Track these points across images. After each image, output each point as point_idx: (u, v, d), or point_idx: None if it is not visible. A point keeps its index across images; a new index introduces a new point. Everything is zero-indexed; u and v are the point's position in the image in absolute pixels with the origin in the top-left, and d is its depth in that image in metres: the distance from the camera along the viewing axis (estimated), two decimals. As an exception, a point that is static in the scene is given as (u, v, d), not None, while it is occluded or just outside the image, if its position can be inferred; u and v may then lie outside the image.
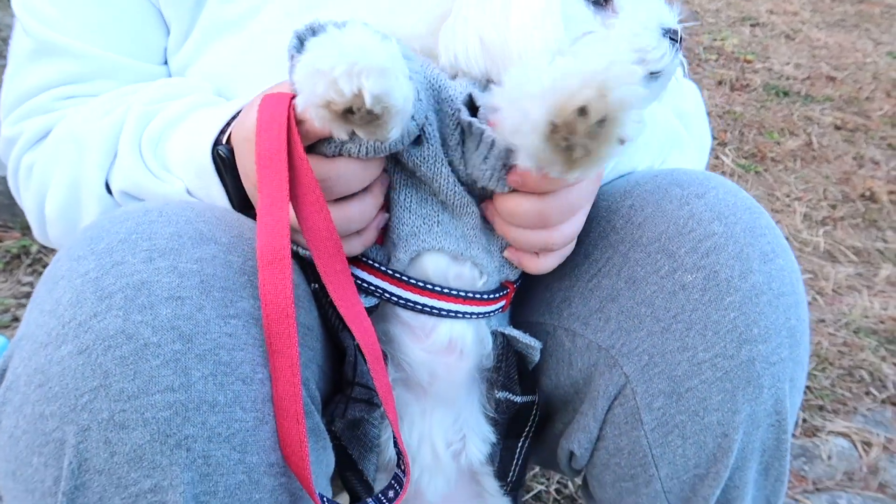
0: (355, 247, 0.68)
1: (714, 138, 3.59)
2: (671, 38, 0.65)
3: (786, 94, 4.06)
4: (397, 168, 0.68)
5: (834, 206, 3.16)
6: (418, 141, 0.63)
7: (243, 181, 0.69)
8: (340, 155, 0.60)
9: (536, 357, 0.78)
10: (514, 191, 0.66)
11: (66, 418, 0.53)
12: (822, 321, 2.31)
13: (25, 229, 2.09)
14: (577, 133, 0.52)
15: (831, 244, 2.87)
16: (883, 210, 3.18)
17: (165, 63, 0.90)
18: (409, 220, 0.68)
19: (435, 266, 0.70)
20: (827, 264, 2.72)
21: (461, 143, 0.64)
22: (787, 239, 2.43)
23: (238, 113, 0.72)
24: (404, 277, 0.70)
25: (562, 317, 0.80)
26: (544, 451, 0.89)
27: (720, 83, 4.08)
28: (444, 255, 0.70)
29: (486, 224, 0.71)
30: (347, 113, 0.52)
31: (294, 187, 0.58)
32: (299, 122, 0.58)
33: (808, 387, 1.95)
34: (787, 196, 3.20)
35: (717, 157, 3.40)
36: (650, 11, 0.66)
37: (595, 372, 0.77)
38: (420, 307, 0.71)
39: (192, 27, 0.85)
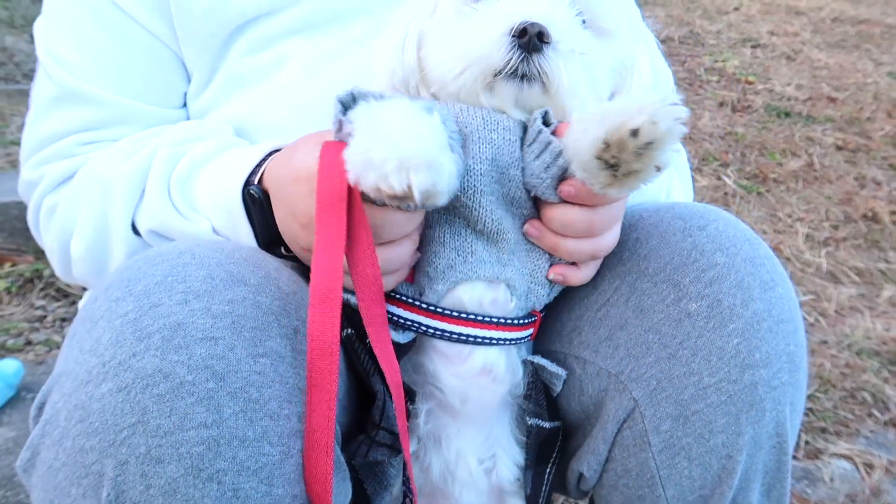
0: (389, 284, 0.72)
1: (716, 159, 3.63)
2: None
3: (787, 114, 4.10)
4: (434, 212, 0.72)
5: (836, 227, 3.19)
6: None
7: (284, 219, 0.72)
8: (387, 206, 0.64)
9: (559, 387, 0.81)
10: (563, 202, 0.70)
11: (106, 452, 0.56)
12: (825, 342, 2.34)
13: (39, 253, 2.13)
14: (627, 150, 0.60)
15: (834, 265, 2.90)
16: (885, 230, 3.21)
17: (184, 106, 0.93)
18: (445, 253, 0.72)
19: (471, 295, 0.74)
20: (829, 285, 2.75)
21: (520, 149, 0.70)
22: (789, 260, 2.45)
23: (269, 154, 0.77)
24: (439, 309, 0.74)
25: (572, 345, 0.83)
26: (556, 473, 0.92)
27: (721, 104, 4.13)
28: (480, 281, 0.74)
29: (518, 247, 0.75)
30: (402, 199, 0.58)
31: (349, 232, 0.62)
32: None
33: (810, 409, 1.97)
34: (790, 217, 3.23)
35: (718, 178, 3.44)
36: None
37: (605, 397, 0.80)
38: (456, 336, 0.74)
39: (214, 76, 0.89)
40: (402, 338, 0.73)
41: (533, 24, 0.64)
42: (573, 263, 0.76)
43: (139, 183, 0.81)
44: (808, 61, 4.77)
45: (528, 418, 0.81)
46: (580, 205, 0.69)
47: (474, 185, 0.68)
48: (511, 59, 0.65)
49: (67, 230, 0.85)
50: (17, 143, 3.19)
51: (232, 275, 0.64)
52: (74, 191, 0.84)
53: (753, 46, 4.91)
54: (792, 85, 4.39)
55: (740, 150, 3.71)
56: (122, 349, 0.58)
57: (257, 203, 0.75)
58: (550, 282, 0.77)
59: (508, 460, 0.84)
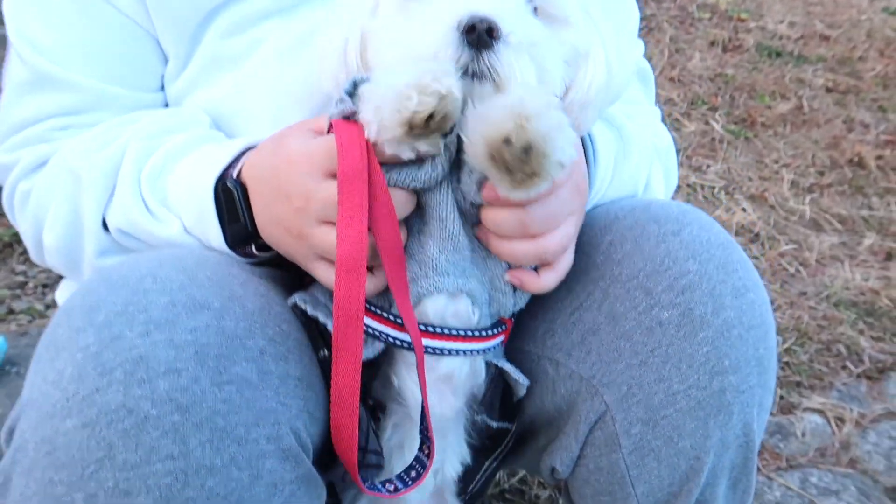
0: (370, 288, 0.71)
1: (705, 103, 3.58)
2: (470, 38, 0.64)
3: (778, 54, 4.03)
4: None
5: (822, 173, 3.19)
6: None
7: (273, 205, 0.71)
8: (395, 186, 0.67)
9: (522, 392, 0.82)
10: (496, 206, 0.70)
11: (75, 486, 0.57)
12: (804, 294, 2.37)
13: (18, 214, 2.11)
14: (508, 157, 0.60)
15: (817, 212, 2.91)
16: (870, 176, 3.21)
17: (162, 89, 0.90)
18: (410, 266, 0.72)
19: (434, 308, 0.74)
20: (812, 234, 2.77)
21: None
22: (773, 208, 2.46)
23: (245, 150, 0.76)
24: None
25: (546, 346, 0.84)
26: (529, 462, 0.94)
27: (713, 44, 4.05)
28: (442, 295, 0.74)
29: (475, 256, 0.75)
30: (427, 121, 0.59)
31: (370, 203, 0.64)
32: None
33: (786, 362, 2.02)
34: (776, 163, 3.22)
35: (706, 123, 3.40)
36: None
37: (577, 399, 0.81)
38: (426, 350, 0.75)
39: (190, 59, 0.86)
40: (371, 351, 0.74)
41: (482, 20, 0.61)
42: (536, 269, 0.76)
43: (110, 178, 0.79)
44: (803, -4, 4.66)
45: (476, 415, 0.83)
46: (508, 205, 0.69)
47: (444, 178, 0.70)
48: (460, 58, 0.63)
49: (40, 219, 0.84)
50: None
51: (195, 300, 0.63)
52: (47, 179, 0.83)
53: (747, -20, 4.76)
54: (785, 22, 4.29)
55: (730, 93, 3.65)
56: (84, 384, 0.58)
57: (230, 198, 0.74)
58: (514, 290, 0.77)
59: (455, 460, 0.87)
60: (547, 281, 0.75)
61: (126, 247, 0.80)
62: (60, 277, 1.02)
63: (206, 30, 0.84)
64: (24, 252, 2.05)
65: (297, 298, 0.74)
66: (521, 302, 0.79)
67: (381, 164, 0.65)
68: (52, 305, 1.89)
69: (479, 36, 0.62)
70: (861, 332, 2.19)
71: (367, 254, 0.64)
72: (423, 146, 0.63)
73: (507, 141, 0.59)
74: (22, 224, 0.88)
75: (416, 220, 0.72)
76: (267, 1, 0.82)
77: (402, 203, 0.68)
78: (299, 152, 0.68)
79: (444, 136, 0.64)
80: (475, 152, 0.63)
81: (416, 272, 0.72)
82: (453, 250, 0.72)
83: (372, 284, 0.70)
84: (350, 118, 0.66)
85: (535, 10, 0.69)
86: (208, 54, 0.85)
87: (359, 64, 0.71)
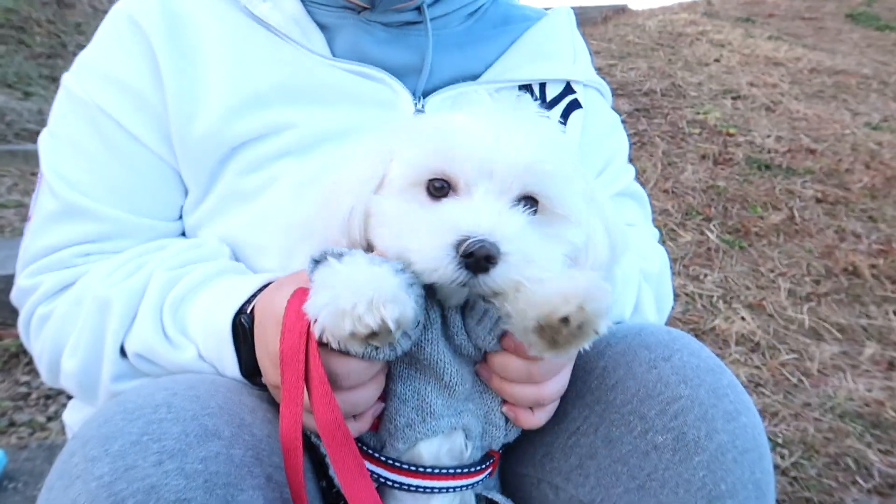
0: (354, 430, 0.74)
1: (699, 213, 3.69)
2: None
3: (767, 167, 4.19)
4: (396, 360, 0.74)
5: (818, 282, 3.24)
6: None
7: (260, 355, 0.75)
8: (349, 354, 0.67)
9: None
10: (504, 351, 0.74)
11: None
12: (808, 405, 2.36)
13: (27, 326, 2.14)
14: (561, 333, 0.64)
15: (816, 321, 2.93)
16: (866, 285, 3.26)
17: (180, 218, 0.96)
18: (406, 412, 0.75)
19: (428, 450, 0.77)
20: (812, 343, 2.78)
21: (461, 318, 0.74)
22: (772, 317, 2.48)
23: (264, 286, 0.80)
24: (397, 464, 0.77)
25: (545, 470, 0.86)
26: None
27: (703, 157, 4.22)
28: (438, 437, 0.77)
29: (472, 392, 0.78)
30: (370, 337, 0.62)
31: (308, 382, 0.65)
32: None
33: (794, 477, 1.98)
34: (772, 272, 3.28)
35: (702, 233, 3.50)
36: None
37: (577, 523, 0.82)
38: (415, 488, 0.77)
39: (209, 194, 0.92)
40: None
41: (481, 246, 0.63)
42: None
43: (134, 306, 0.83)
44: (787, 112, 4.89)
45: None
46: (520, 357, 0.73)
47: (437, 336, 0.72)
48: (459, 277, 0.64)
49: (59, 344, 0.86)
50: (7, 206, 3.19)
51: (206, 429, 0.66)
52: (69, 305, 0.86)
53: (734, 98, 5.02)
54: (772, 136, 4.49)
55: (722, 204, 3.77)
56: None
57: (244, 333, 0.78)
58: (506, 423, 0.80)
59: None
60: (540, 419, 0.79)
61: (141, 371, 0.83)
62: (63, 391, 1.03)
63: (225, 167, 0.91)
64: (29, 363, 2.07)
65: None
66: (512, 435, 0.82)
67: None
68: (54, 418, 1.89)
69: (478, 262, 0.63)
70: (869, 444, 2.16)
71: (301, 435, 0.66)
72: (375, 343, 0.64)
73: (564, 321, 0.63)
74: (36, 346, 0.91)
75: (410, 367, 0.75)
76: (283, 142, 0.89)
77: (360, 372, 0.69)
78: (279, 310, 0.69)
79: (404, 335, 0.66)
80: (523, 326, 0.66)
81: (412, 418, 0.75)
82: (450, 396, 0.76)
83: (354, 428, 0.73)
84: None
85: (535, 211, 0.72)
86: (226, 189, 0.91)
87: (361, 235, 0.74)
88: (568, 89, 1.04)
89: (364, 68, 0.91)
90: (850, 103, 5.18)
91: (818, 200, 3.92)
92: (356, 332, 0.61)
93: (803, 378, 2.55)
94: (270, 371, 0.72)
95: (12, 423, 1.82)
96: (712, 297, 3.04)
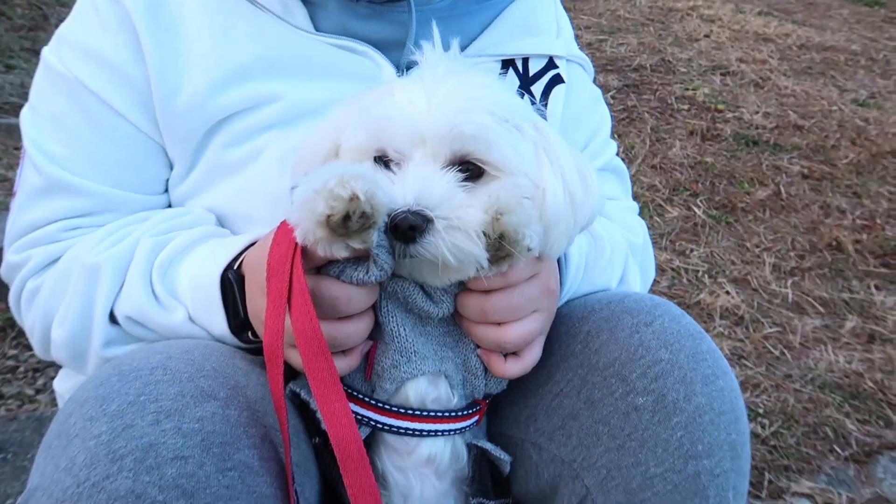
0: (342, 366, 0.75)
1: (686, 189, 3.71)
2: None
3: (755, 143, 4.21)
4: (380, 300, 0.76)
5: (802, 257, 3.28)
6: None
7: (255, 297, 0.76)
8: (343, 281, 0.70)
9: (507, 469, 0.86)
10: (468, 290, 0.77)
11: None
12: (790, 377, 2.41)
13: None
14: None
15: (799, 295, 2.98)
16: (849, 260, 3.30)
17: (166, 192, 0.97)
18: (390, 354, 0.77)
19: (415, 391, 0.79)
20: (795, 316, 2.83)
21: None
22: (756, 291, 2.52)
23: (250, 245, 0.81)
24: (387, 406, 0.78)
25: (528, 431, 0.88)
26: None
27: (692, 133, 4.23)
28: (423, 379, 0.79)
29: (448, 339, 0.80)
30: (345, 221, 0.62)
31: (290, 293, 0.66)
32: (305, 250, 0.67)
33: (773, 446, 2.03)
34: (757, 247, 3.31)
35: (689, 209, 3.52)
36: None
37: (559, 482, 0.84)
38: (404, 430, 0.79)
39: (194, 167, 0.92)
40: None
41: (404, 217, 0.67)
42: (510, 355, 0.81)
43: (122, 272, 0.84)
44: (776, 89, 4.90)
45: (471, 498, 0.85)
46: (476, 291, 0.75)
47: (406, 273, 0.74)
48: (394, 247, 0.69)
49: (49, 315, 0.87)
50: (-5, 180, 3.11)
51: (202, 390, 0.67)
52: (59, 275, 0.87)
53: (723, 74, 5.02)
54: (760, 113, 4.50)
55: (710, 180, 3.80)
56: (96, 470, 0.61)
57: (231, 289, 0.79)
58: (486, 374, 0.82)
59: None
60: (510, 368, 0.80)
61: (132, 335, 0.84)
62: (51, 364, 1.04)
63: (210, 140, 0.91)
64: (17, 337, 2.07)
65: (293, 385, 0.78)
66: (494, 387, 0.83)
67: (329, 262, 0.69)
68: (42, 390, 1.90)
69: (404, 233, 0.67)
70: (847, 414, 2.22)
71: (283, 345, 0.67)
72: (355, 243, 0.65)
73: (483, 234, 0.67)
74: (28, 320, 0.92)
75: (391, 310, 0.76)
76: (267, 114, 0.89)
77: (356, 298, 0.71)
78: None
79: (377, 231, 0.66)
80: None
81: (396, 359, 0.77)
82: (427, 335, 0.78)
83: (344, 364, 0.74)
84: None
85: (478, 173, 0.73)
86: (212, 162, 0.91)
87: None
88: (551, 64, 1.05)
89: (347, 42, 0.92)
90: (837, 80, 5.20)
91: (804, 176, 3.95)
92: (331, 214, 0.62)
93: (785, 350, 2.60)
94: (257, 323, 0.74)
95: (1, 396, 1.83)
96: (698, 271, 3.08)
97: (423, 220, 0.67)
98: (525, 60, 1.03)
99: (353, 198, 0.62)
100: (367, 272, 0.69)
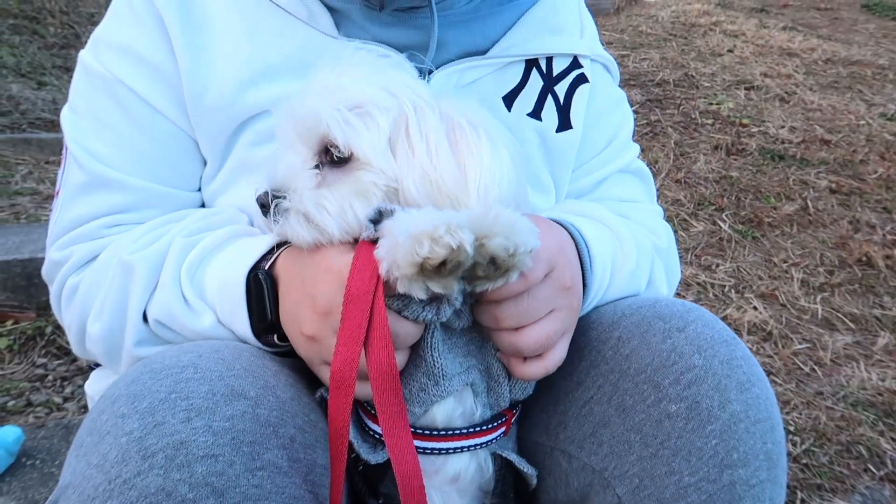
0: (369, 392, 0.74)
1: (711, 203, 3.67)
2: None
3: (781, 157, 4.16)
4: None
5: (831, 272, 3.22)
6: None
7: (298, 304, 0.75)
8: (402, 316, 0.71)
9: (533, 482, 0.84)
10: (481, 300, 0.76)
11: None
12: (821, 394, 2.35)
13: (41, 310, 2.16)
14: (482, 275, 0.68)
15: (829, 311, 2.92)
16: (880, 276, 3.24)
17: (200, 189, 0.98)
18: (418, 377, 0.76)
19: (443, 413, 0.79)
20: (825, 333, 2.77)
21: None
22: (784, 306, 2.47)
23: (280, 245, 0.82)
24: (414, 430, 0.78)
25: (558, 439, 0.86)
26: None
27: (716, 148, 4.19)
28: (450, 398, 0.78)
29: (471, 346, 0.79)
30: (439, 267, 0.63)
31: (368, 327, 0.66)
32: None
33: (805, 464, 1.98)
34: (785, 262, 3.26)
35: (714, 223, 3.48)
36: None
37: (590, 491, 0.82)
38: (430, 450, 0.79)
39: (224, 164, 0.93)
40: (381, 456, 0.77)
41: (257, 196, 0.77)
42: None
43: (156, 272, 0.84)
44: (802, 103, 4.85)
45: None
46: (490, 301, 0.74)
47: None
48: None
49: (86, 309, 0.88)
50: (22, 194, 3.22)
51: (232, 388, 0.67)
52: (97, 271, 0.88)
53: (747, 88, 4.99)
54: (786, 127, 4.45)
55: (735, 194, 3.75)
56: (127, 467, 0.60)
57: (259, 288, 0.79)
58: (509, 380, 0.80)
59: None
60: (530, 370, 0.78)
61: (162, 338, 0.84)
62: (79, 372, 1.05)
63: (237, 139, 0.92)
64: (46, 346, 2.09)
65: (323, 391, 0.78)
66: (520, 393, 0.82)
67: (392, 295, 0.70)
68: (70, 398, 1.91)
69: (262, 209, 0.76)
70: (881, 433, 2.15)
71: (356, 374, 0.67)
72: (436, 287, 0.66)
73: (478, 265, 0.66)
74: (67, 317, 0.93)
75: (434, 335, 0.76)
76: None
77: (407, 334, 0.72)
78: (336, 263, 0.72)
79: (459, 280, 0.67)
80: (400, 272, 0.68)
81: (424, 382, 0.76)
82: (454, 351, 0.77)
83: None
84: (375, 242, 0.70)
85: (335, 160, 0.75)
86: (238, 160, 0.92)
87: None
88: (575, 64, 1.04)
89: (372, 46, 0.92)
90: (865, 94, 5.13)
91: (832, 191, 3.89)
92: (429, 258, 0.62)
93: (816, 367, 2.54)
94: (313, 322, 0.73)
95: (29, 404, 1.84)
96: (724, 286, 3.03)
97: (269, 199, 0.75)
98: (549, 60, 1.02)
99: (458, 249, 0.62)
100: (437, 313, 0.70)
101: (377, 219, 0.69)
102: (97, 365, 1.04)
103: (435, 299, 0.70)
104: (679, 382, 0.77)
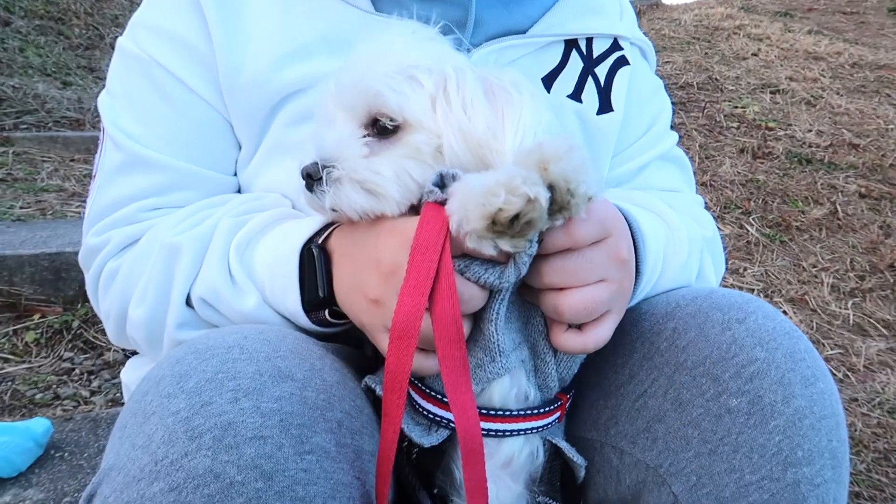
0: (432, 366, 0.71)
1: (738, 207, 3.62)
2: None
3: (808, 161, 4.10)
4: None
5: (862, 278, 3.16)
6: None
7: (361, 271, 0.73)
8: (469, 280, 0.68)
9: (582, 474, 0.81)
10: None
11: None
12: (855, 400, 2.29)
13: (67, 304, 2.16)
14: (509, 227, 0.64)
15: (860, 317, 2.85)
16: (912, 281, 3.17)
17: (236, 174, 0.96)
18: (475, 353, 0.73)
19: (499, 391, 0.75)
20: (857, 338, 2.71)
21: None
22: (815, 311, 2.42)
23: (329, 224, 0.80)
24: None
25: (609, 434, 0.83)
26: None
27: (742, 151, 4.14)
28: (507, 378, 0.75)
29: (519, 323, 0.76)
30: (511, 222, 0.61)
31: (435, 278, 0.64)
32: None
33: (843, 471, 1.93)
34: (814, 266, 3.20)
35: (741, 227, 3.43)
36: None
37: (643, 489, 0.79)
38: (487, 432, 0.75)
39: (258, 146, 0.92)
40: (436, 438, 0.74)
41: (304, 168, 0.74)
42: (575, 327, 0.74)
43: (201, 253, 0.83)
44: (829, 107, 4.78)
45: (538, 497, 0.81)
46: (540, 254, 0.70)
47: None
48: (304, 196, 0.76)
49: (127, 294, 0.86)
50: (48, 190, 3.24)
51: (280, 370, 0.65)
52: (138, 255, 0.86)
53: (773, 92, 4.93)
54: (813, 131, 4.39)
55: (762, 198, 3.70)
56: (174, 448, 0.58)
57: (311, 262, 0.77)
58: (555, 356, 0.77)
59: None
60: (570, 341, 0.73)
61: (204, 319, 0.83)
62: (105, 366, 1.03)
63: (273, 119, 0.91)
64: (72, 340, 2.09)
65: (368, 380, 0.75)
66: (566, 373, 0.78)
67: (463, 255, 0.67)
68: (97, 392, 1.90)
69: (307, 182, 0.74)
70: (919, 441, 2.10)
71: (421, 325, 0.64)
72: (505, 245, 0.64)
73: (503, 215, 0.62)
74: (105, 303, 0.91)
75: (500, 308, 0.72)
76: None
77: (472, 297, 0.69)
78: (400, 226, 0.70)
79: (529, 241, 0.65)
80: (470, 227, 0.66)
81: (481, 358, 0.73)
82: (507, 325, 0.73)
83: (434, 364, 0.71)
84: (441, 205, 0.68)
85: (380, 128, 0.74)
86: (274, 140, 0.91)
87: None
88: (615, 46, 1.02)
89: (408, 21, 0.90)
90: (893, 98, 5.05)
91: (862, 196, 3.82)
92: (503, 209, 0.59)
93: (849, 373, 2.48)
94: (377, 284, 0.70)
95: (57, 397, 1.84)
96: (753, 290, 2.98)
97: (319, 168, 0.73)
98: (589, 42, 1.00)
99: (534, 200, 0.60)
100: (501, 276, 0.67)
101: (440, 183, 0.68)
102: (133, 353, 1.03)
103: (498, 263, 0.67)
104: (740, 376, 0.73)
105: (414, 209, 0.73)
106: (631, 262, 0.77)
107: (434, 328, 0.65)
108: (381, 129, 0.73)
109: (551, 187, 0.62)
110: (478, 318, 0.72)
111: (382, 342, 0.71)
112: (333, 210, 0.74)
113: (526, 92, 0.74)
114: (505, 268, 0.67)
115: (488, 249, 0.63)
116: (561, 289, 0.71)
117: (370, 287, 0.71)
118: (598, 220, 0.70)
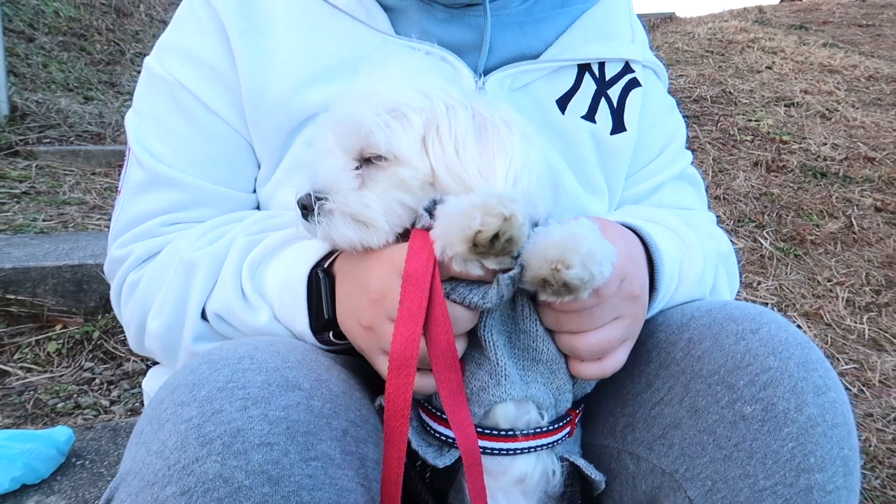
0: (430, 385, 0.74)
1: (752, 220, 3.62)
2: None
3: (823, 175, 4.09)
4: (484, 319, 0.76)
5: (878, 292, 3.14)
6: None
7: (353, 295, 0.76)
8: (455, 302, 0.71)
9: (600, 489, 0.82)
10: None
11: None
12: (870, 416, 2.28)
13: (88, 315, 2.20)
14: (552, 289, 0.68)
15: (876, 332, 2.84)
16: (929, 296, 3.15)
17: (255, 191, 0.99)
18: (480, 375, 0.76)
19: (504, 415, 0.78)
20: (873, 353, 2.69)
21: None
22: (829, 326, 2.41)
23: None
24: (478, 429, 0.77)
25: (626, 441, 0.85)
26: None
27: (756, 164, 4.14)
28: (511, 403, 0.77)
29: (536, 364, 0.78)
30: (492, 241, 0.63)
31: (428, 305, 0.68)
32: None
33: (860, 486, 1.91)
34: (829, 280, 3.19)
35: (755, 241, 3.43)
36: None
37: (659, 494, 0.80)
38: (497, 451, 0.78)
39: (279, 164, 0.95)
40: (448, 459, 0.76)
41: (298, 198, 0.78)
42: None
43: (217, 269, 0.86)
44: (844, 120, 4.77)
45: None
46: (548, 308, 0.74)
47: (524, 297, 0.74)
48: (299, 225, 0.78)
49: (146, 306, 0.90)
50: (70, 203, 3.30)
51: (287, 380, 0.68)
52: (157, 268, 0.90)
53: (787, 105, 4.93)
54: (827, 144, 4.38)
55: (776, 211, 3.69)
56: (186, 453, 0.61)
57: (318, 286, 0.80)
58: (573, 384, 0.80)
59: None
60: (588, 370, 0.77)
61: (219, 333, 0.86)
62: (125, 376, 1.06)
63: (294, 138, 0.94)
64: (93, 350, 2.13)
65: (381, 400, 0.77)
66: (580, 392, 0.81)
67: (451, 278, 0.71)
68: (117, 402, 1.94)
69: (302, 212, 0.77)
70: (936, 457, 2.08)
71: (418, 354, 0.67)
72: (491, 264, 0.67)
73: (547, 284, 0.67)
74: (126, 313, 0.95)
75: (494, 331, 0.75)
76: None
77: (464, 320, 0.72)
78: (387, 253, 0.74)
79: (514, 258, 0.68)
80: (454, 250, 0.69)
81: (486, 381, 0.75)
82: (530, 360, 0.77)
83: (430, 381, 0.73)
84: (429, 230, 0.72)
85: (369, 160, 0.76)
86: (294, 159, 0.94)
87: None
88: (626, 69, 1.04)
89: (426, 46, 0.93)
90: (909, 112, 5.03)
91: (877, 209, 3.81)
92: (481, 231, 0.62)
93: (864, 388, 2.47)
94: (367, 309, 0.74)
95: (77, 406, 1.87)
96: (767, 304, 2.97)
97: (312, 200, 0.75)
98: (601, 65, 1.03)
99: (510, 218, 0.63)
100: (484, 297, 0.70)
101: (431, 208, 0.70)
102: (154, 363, 1.06)
103: (484, 283, 0.70)
104: (754, 384, 0.75)
105: (407, 233, 0.75)
106: (643, 296, 0.82)
107: (430, 356, 0.69)
108: (370, 160, 0.76)
109: (566, 284, 0.66)
110: (475, 342, 0.76)
111: (380, 364, 0.75)
112: (325, 240, 0.77)
113: (517, 132, 0.76)
114: (489, 288, 0.70)
115: (475, 270, 0.67)
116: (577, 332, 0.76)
117: (362, 313, 0.75)
118: (617, 274, 0.74)
